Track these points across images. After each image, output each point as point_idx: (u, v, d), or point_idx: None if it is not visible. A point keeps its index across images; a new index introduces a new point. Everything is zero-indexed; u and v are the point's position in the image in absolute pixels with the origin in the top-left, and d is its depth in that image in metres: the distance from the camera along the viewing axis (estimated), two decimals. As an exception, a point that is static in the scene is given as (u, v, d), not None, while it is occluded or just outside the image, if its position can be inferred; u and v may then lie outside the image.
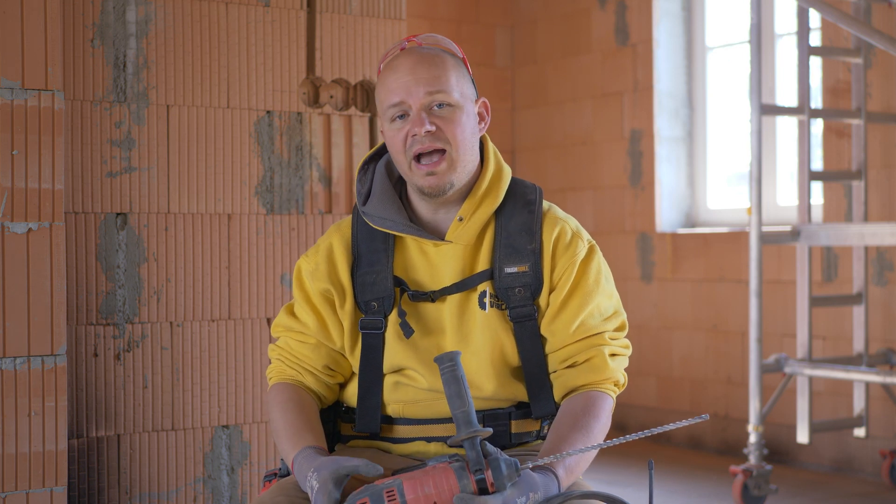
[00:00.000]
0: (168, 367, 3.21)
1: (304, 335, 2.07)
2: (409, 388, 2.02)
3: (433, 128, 1.96)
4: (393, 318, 2.02)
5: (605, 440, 1.94)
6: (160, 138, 3.22)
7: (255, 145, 3.35)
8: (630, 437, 1.76)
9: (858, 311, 4.51)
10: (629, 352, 2.06)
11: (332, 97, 3.34)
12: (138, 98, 3.19)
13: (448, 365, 1.74)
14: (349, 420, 2.09)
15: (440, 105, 1.98)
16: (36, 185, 2.81)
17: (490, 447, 1.72)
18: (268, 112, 3.37)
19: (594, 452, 1.93)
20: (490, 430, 1.73)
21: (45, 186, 2.82)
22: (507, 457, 1.72)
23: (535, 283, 2.01)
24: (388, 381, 2.03)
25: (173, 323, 3.23)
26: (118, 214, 3.17)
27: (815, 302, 4.44)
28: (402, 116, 1.99)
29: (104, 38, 3.15)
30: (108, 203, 3.15)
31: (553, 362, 2.02)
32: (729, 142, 5.59)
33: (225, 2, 3.31)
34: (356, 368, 2.06)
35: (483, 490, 1.70)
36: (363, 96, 3.38)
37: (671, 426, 1.76)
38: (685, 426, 1.75)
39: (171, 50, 3.23)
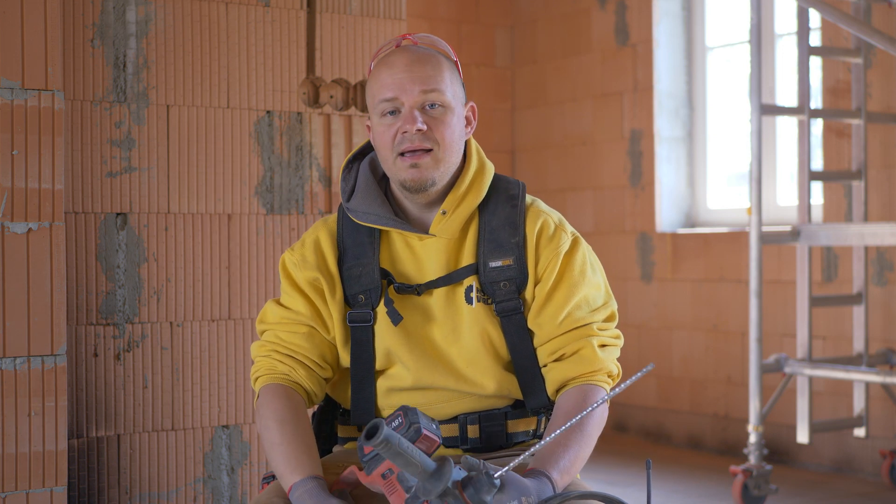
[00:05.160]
0: (168, 367, 3.21)
1: (296, 324, 2.03)
2: (402, 392, 2.02)
3: (424, 126, 1.96)
4: (381, 309, 2.01)
5: (597, 432, 1.93)
6: (160, 138, 3.22)
7: (255, 145, 3.35)
8: (587, 411, 1.70)
9: (858, 311, 4.51)
10: (620, 342, 2.04)
11: (332, 97, 3.34)
12: (138, 98, 3.19)
13: (380, 442, 1.59)
14: (346, 422, 2.08)
15: (433, 105, 1.98)
16: (36, 185, 2.81)
17: (472, 460, 1.66)
18: (268, 112, 3.37)
19: (588, 451, 1.91)
20: (458, 456, 1.66)
21: (45, 186, 2.82)
22: (487, 471, 1.65)
23: (519, 277, 2.01)
24: (381, 385, 2.03)
25: (173, 323, 3.23)
26: (118, 214, 3.17)
27: (815, 302, 4.44)
28: (393, 112, 1.99)
29: (104, 38, 3.15)
30: (108, 203, 3.15)
31: (542, 355, 2.01)
32: (729, 142, 5.59)
33: (225, 2, 3.31)
34: (347, 363, 2.05)
35: None
36: (363, 96, 3.38)
37: (624, 384, 1.67)
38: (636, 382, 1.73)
39: (171, 50, 3.23)
